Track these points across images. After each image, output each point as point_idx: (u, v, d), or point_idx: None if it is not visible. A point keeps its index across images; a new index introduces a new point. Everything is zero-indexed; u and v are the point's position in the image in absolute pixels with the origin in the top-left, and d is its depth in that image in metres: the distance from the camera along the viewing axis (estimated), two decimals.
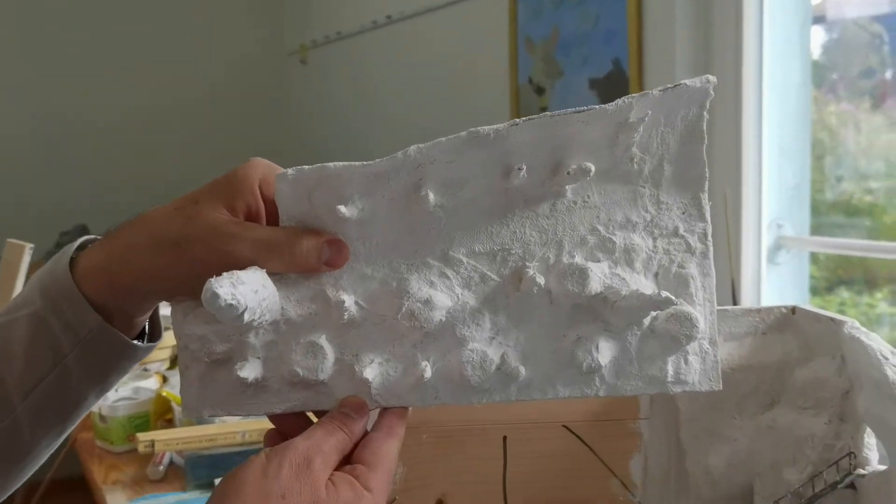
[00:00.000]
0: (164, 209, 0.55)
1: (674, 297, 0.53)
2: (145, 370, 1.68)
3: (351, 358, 0.56)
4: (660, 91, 0.54)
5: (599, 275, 0.55)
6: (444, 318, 0.55)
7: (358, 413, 0.55)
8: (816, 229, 1.90)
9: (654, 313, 0.55)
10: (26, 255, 1.40)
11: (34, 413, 0.57)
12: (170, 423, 1.46)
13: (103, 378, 0.59)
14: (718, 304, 0.60)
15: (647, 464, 0.78)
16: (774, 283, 1.90)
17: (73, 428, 0.61)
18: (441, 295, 0.55)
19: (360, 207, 0.55)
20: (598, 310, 0.56)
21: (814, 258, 1.94)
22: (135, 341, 0.59)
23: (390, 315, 0.56)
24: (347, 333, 0.56)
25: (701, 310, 0.57)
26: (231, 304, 0.47)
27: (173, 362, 1.77)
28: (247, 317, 0.49)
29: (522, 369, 0.56)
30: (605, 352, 0.56)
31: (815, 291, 1.92)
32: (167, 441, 1.26)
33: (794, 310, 0.77)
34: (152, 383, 1.55)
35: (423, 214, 0.55)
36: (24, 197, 3.39)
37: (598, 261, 0.56)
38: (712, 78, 0.54)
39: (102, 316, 0.56)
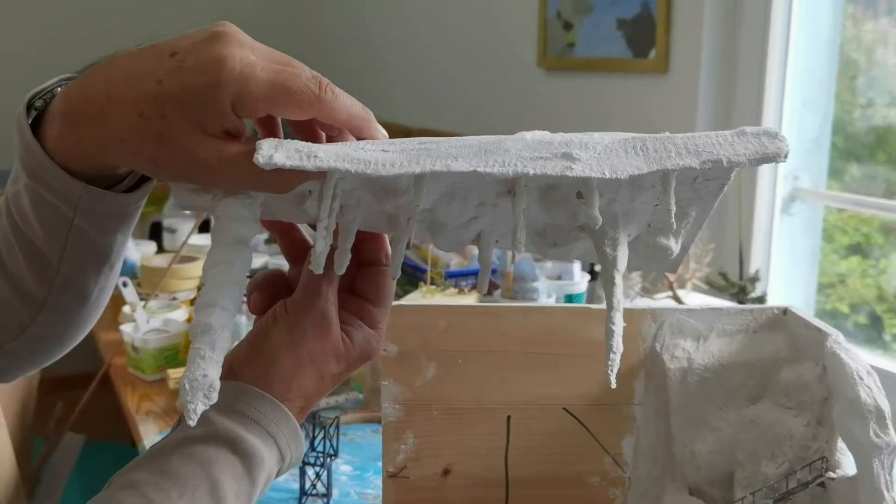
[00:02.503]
0: (124, 107, 0.49)
1: (613, 376, 0.52)
2: (174, 299, 1.77)
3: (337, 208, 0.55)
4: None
5: (592, 213, 0.54)
6: (427, 206, 0.55)
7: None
8: (836, 169, 1.89)
9: (635, 234, 0.57)
10: None
11: (75, 266, 0.59)
12: None
13: (117, 225, 0.59)
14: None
15: (638, 445, 0.84)
16: (786, 234, 1.94)
17: (120, 264, 0.63)
18: (429, 194, 0.54)
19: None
20: (584, 227, 0.57)
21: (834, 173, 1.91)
22: (133, 177, 0.58)
23: (377, 195, 0.55)
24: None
25: (684, 234, 0.58)
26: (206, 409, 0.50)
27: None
28: None
29: (494, 244, 0.59)
30: (576, 252, 0.59)
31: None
32: None
33: (785, 311, 0.82)
34: (181, 314, 1.63)
35: (417, 187, 0.52)
36: None
37: (600, 195, 0.54)
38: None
39: (88, 178, 0.55)
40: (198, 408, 0.49)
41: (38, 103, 0.55)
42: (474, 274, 1.70)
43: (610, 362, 0.52)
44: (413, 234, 0.58)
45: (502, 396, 0.83)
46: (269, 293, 0.61)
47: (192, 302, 1.74)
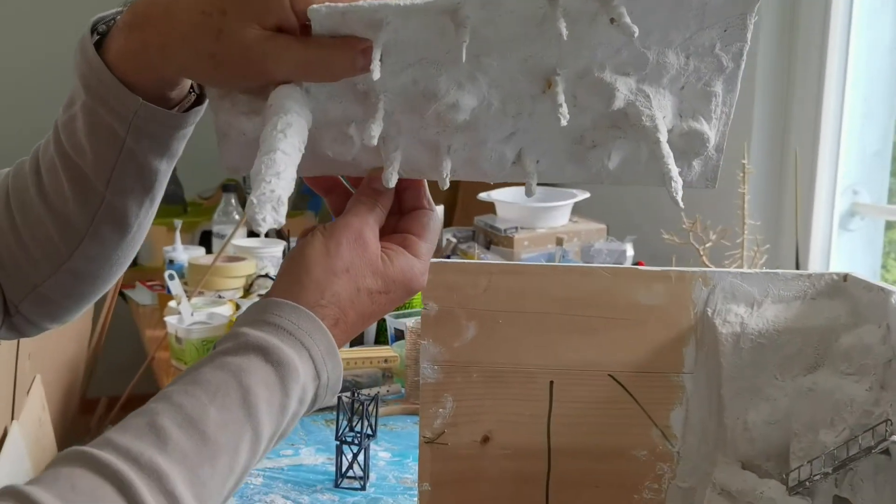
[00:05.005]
0: (187, 7, 0.53)
1: (679, 196, 0.54)
2: (220, 297, 1.76)
3: (378, 140, 0.57)
4: None
5: (625, 92, 0.57)
6: (468, 118, 0.57)
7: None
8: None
9: (669, 124, 0.58)
10: None
11: (120, 193, 0.61)
12: None
13: (165, 149, 0.61)
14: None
15: (687, 416, 0.80)
16: (845, 250, 1.88)
17: (161, 194, 0.65)
18: (468, 96, 0.57)
19: (394, 28, 0.54)
20: (618, 121, 0.59)
21: None
22: (182, 106, 0.61)
23: (418, 112, 0.58)
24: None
25: (716, 123, 0.60)
26: (275, 226, 0.50)
27: (247, 291, 1.84)
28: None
29: (535, 165, 0.60)
30: (615, 157, 0.60)
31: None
32: None
33: (845, 277, 0.78)
34: (226, 310, 1.62)
35: (459, 25, 0.54)
36: None
37: (628, 74, 0.57)
38: None
39: (145, 93, 0.57)
40: (266, 218, 0.48)
41: (102, 28, 0.58)
42: None
43: (673, 186, 0.54)
44: (452, 151, 0.59)
45: (544, 360, 0.80)
46: None
47: (237, 306, 1.73)
